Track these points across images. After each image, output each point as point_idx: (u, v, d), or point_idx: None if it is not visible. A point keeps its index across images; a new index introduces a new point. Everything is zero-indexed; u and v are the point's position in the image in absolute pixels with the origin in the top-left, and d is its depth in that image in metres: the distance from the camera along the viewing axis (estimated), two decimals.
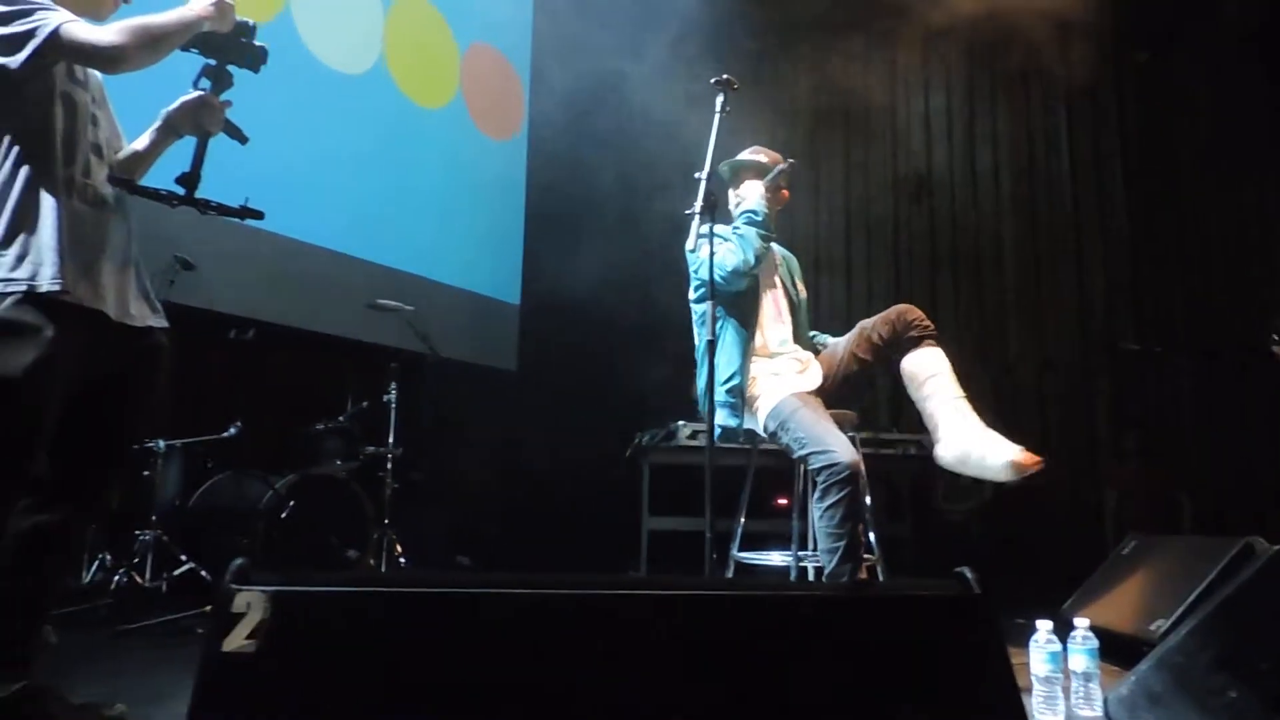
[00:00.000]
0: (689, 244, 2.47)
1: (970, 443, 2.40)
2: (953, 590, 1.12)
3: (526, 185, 6.32)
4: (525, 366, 6.11)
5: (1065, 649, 2.23)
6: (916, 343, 2.59)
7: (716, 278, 2.53)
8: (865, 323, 2.72)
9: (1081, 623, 2.26)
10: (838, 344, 2.79)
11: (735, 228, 2.78)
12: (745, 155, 3.01)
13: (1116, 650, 2.50)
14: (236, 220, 1.96)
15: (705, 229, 2.46)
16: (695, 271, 2.79)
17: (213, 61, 1.92)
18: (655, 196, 5.34)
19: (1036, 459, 2.36)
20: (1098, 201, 5.81)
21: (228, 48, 1.91)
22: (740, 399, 2.74)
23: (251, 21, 1.94)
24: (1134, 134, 5.78)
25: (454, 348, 5.02)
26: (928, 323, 2.63)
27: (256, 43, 1.94)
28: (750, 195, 2.84)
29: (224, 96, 1.95)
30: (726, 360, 2.71)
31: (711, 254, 2.51)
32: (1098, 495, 5.30)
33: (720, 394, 2.72)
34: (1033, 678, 2.20)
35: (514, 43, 6.41)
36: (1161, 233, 5.64)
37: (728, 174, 2.96)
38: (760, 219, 2.75)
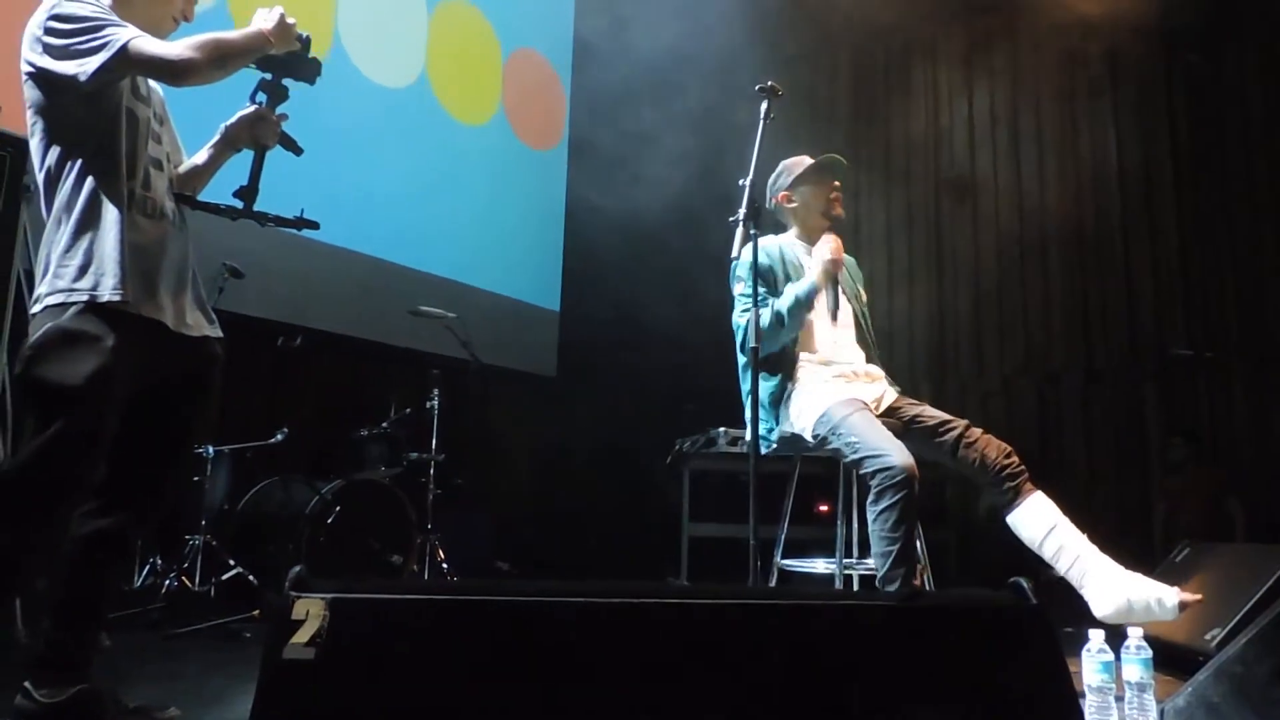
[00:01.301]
0: (733, 252, 2.46)
1: (1127, 593, 2.33)
2: (1009, 600, 1.11)
3: (567, 192, 6.36)
4: (565, 373, 6.14)
5: (1118, 658, 2.18)
6: (1016, 492, 2.49)
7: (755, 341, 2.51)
8: (961, 429, 2.60)
9: (1135, 632, 2.21)
10: (924, 411, 2.69)
11: (775, 307, 2.63)
12: (792, 161, 2.93)
13: (1170, 660, 2.45)
14: (286, 229, 2.00)
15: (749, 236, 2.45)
16: (735, 281, 2.77)
17: (269, 76, 1.97)
18: (696, 201, 5.35)
19: (1199, 595, 2.32)
20: (1146, 205, 5.69)
21: (283, 62, 1.95)
22: (782, 407, 2.71)
23: (306, 34, 1.97)
24: (1184, 136, 5.65)
25: (495, 354, 5.06)
26: (1022, 467, 2.53)
27: (310, 56, 1.98)
28: (817, 256, 2.72)
29: (279, 110, 1.99)
30: (770, 367, 2.69)
31: (755, 259, 2.49)
32: (1147, 503, 5.19)
33: (762, 401, 2.70)
34: (1085, 687, 2.16)
35: (555, 45, 6.47)
36: (1212, 236, 5.50)
37: (780, 179, 2.92)
38: (805, 300, 2.65)
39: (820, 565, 2.90)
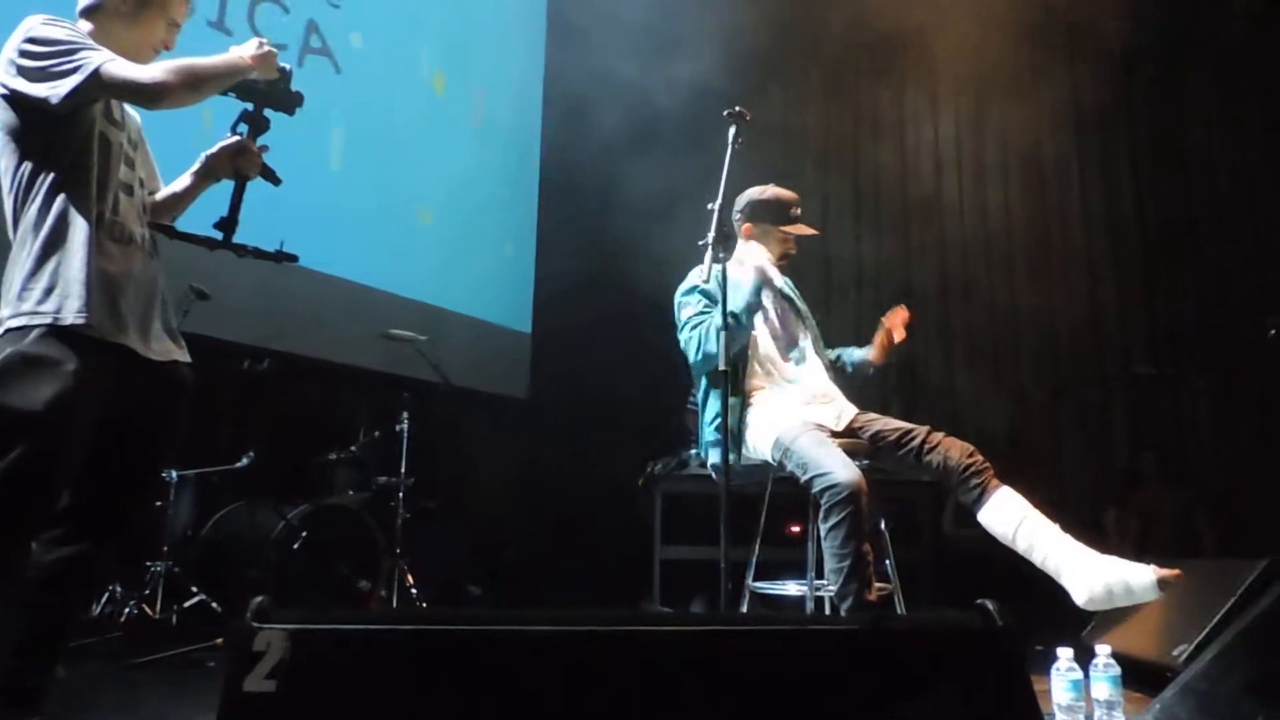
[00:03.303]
0: (702, 275, 2.47)
1: (1105, 576, 2.32)
2: (975, 623, 1.11)
3: (539, 214, 6.37)
4: (537, 395, 6.12)
5: (1087, 676, 2.20)
6: (983, 489, 2.51)
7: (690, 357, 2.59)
8: (922, 435, 2.64)
9: (1103, 649, 2.23)
10: (885, 425, 2.73)
11: (716, 319, 2.62)
12: (767, 195, 2.96)
13: (1138, 677, 2.47)
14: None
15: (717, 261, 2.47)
16: (683, 306, 2.80)
17: (250, 106, 1.96)
18: (667, 224, 5.36)
19: (1176, 570, 2.30)
20: (1109, 225, 5.80)
21: (265, 93, 1.96)
22: (733, 435, 2.73)
23: (289, 67, 1.98)
24: (1145, 156, 5.78)
25: (466, 377, 5.03)
26: (986, 464, 2.55)
27: (293, 89, 1.98)
28: (747, 269, 2.77)
29: (261, 141, 1.99)
30: (715, 397, 2.70)
31: (724, 282, 2.51)
32: (1114, 521, 5.25)
33: (709, 432, 2.73)
34: (1055, 706, 2.17)
35: (526, 80, 6.49)
36: (1175, 256, 5.62)
37: (747, 211, 2.96)
38: (742, 311, 2.67)
39: (791, 587, 2.90)
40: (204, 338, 3.80)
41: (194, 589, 3.53)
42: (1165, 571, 2.28)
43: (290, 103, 2.00)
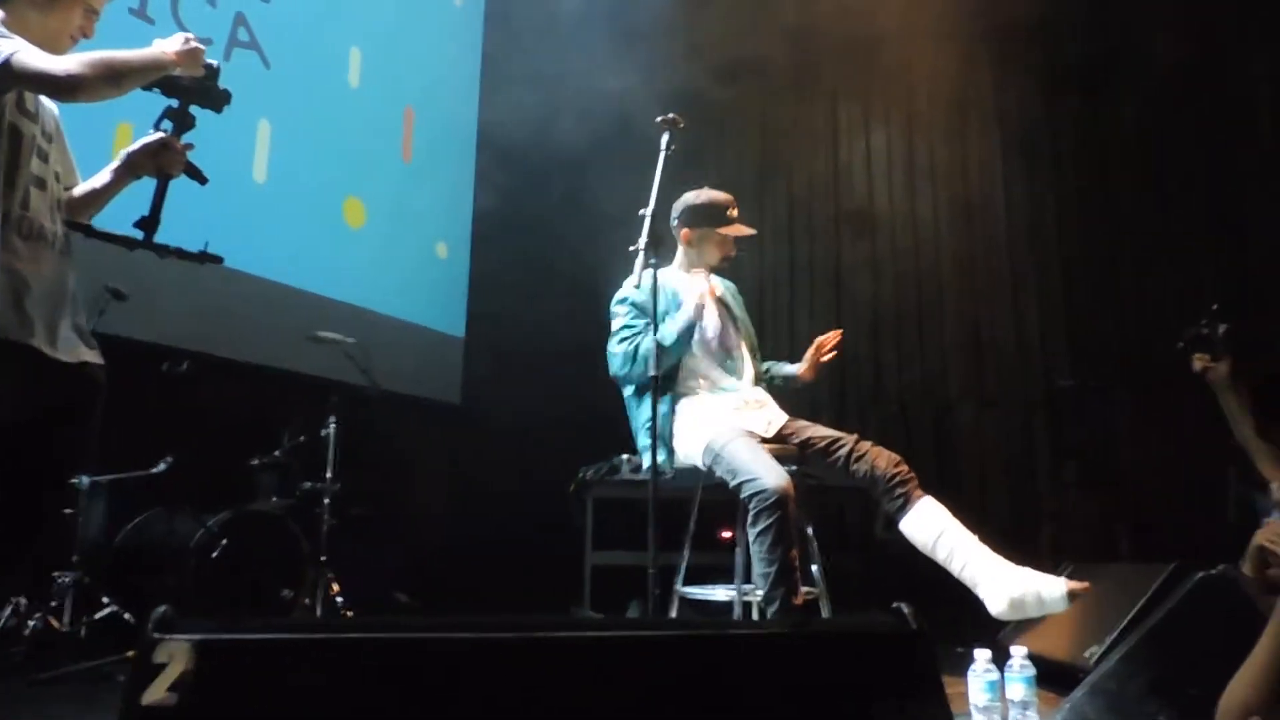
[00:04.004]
0: (633, 280, 2.48)
1: (1017, 588, 2.37)
2: (891, 626, 1.13)
3: (473, 218, 6.31)
4: (469, 400, 6.05)
5: (1003, 677, 2.26)
6: (906, 498, 2.55)
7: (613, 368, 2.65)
8: (850, 444, 2.68)
9: (1019, 651, 2.29)
10: (815, 432, 2.76)
11: (659, 336, 2.64)
12: (702, 199, 2.99)
13: (1053, 678, 2.54)
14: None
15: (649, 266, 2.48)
16: (615, 314, 2.82)
17: (176, 103, 1.91)
18: (602, 230, 5.36)
19: (1085, 584, 2.37)
20: (1032, 241, 5.98)
21: (191, 89, 1.90)
22: (674, 437, 2.75)
23: (216, 64, 1.93)
24: (1069, 174, 5.98)
25: (396, 381, 4.95)
26: (912, 474, 2.60)
27: (220, 86, 1.93)
28: (691, 290, 2.80)
29: (185, 139, 1.94)
30: (645, 402, 2.72)
31: (654, 288, 2.52)
32: (1035, 525, 5.40)
33: (643, 436, 2.74)
34: (971, 707, 2.22)
35: (462, 76, 6.42)
36: (1095, 270, 5.82)
37: (685, 216, 2.97)
38: (672, 345, 2.70)
39: (720, 592, 2.92)
40: (121, 339, 3.67)
41: (105, 599, 3.40)
42: (1075, 584, 2.36)
43: (218, 100, 1.95)
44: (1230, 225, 5.51)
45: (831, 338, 2.99)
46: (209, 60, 1.92)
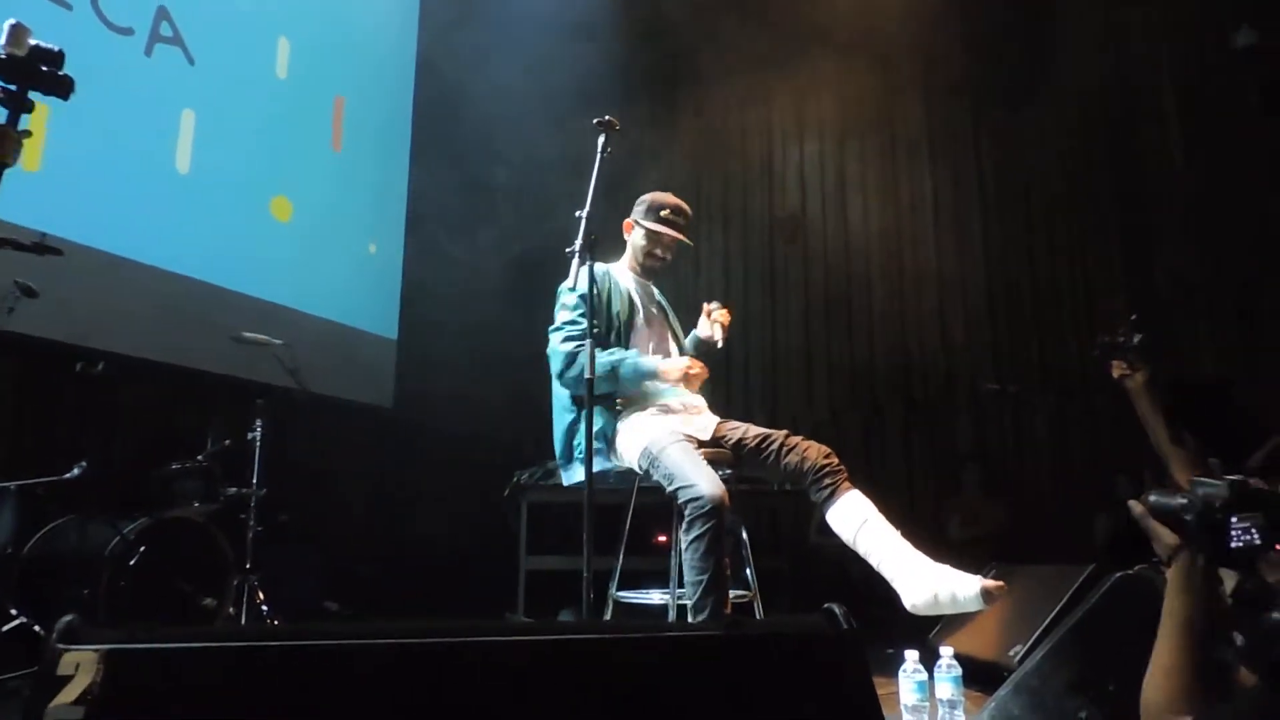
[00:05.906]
0: (569, 282, 2.46)
1: (933, 584, 2.38)
2: (821, 627, 1.14)
3: (407, 217, 6.21)
4: (402, 403, 5.95)
5: (932, 677, 2.30)
6: (834, 490, 2.58)
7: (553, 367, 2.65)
8: (780, 438, 2.70)
9: (946, 651, 2.34)
10: (747, 431, 2.77)
11: (614, 363, 2.69)
12: (650, 195, 3.01)
13: (980, 676, 2.60)
14: (77, 245, 1.84)
15: (584, 268, 2.47)
16: (562, 308, 2.80)
17: (13, 87, 1.81)
18: (538, 230, 5.34)
19: (1001, 583, 2.38)
20: (958, 248, 6.13)
21: (30, 73, 1.81)
22: (612, 441, 2.74)
23: (57, 48, 1.84)
24: (991, 184, 6.15)
25: (326, 383, 4.84)
26: (841, 467, 2.63)
27: (61, 73, 1.84)
28: (674, 366, 2.79)
29: (22, 125, 1.84)
30: (596, 401, 2.70)
31: (590, 290, 2.51)
32: (957, 527, 5.53)
33: (577, 437, 2.73)
34: (902, 707, 2.26)
35: (394, 69, 6.32)
36: (1016, 279, 6.00)
37: (634, 208, 2.98)
38: (645, 376, 2.74)
39: (655, 596, 2.91)
40: (33, 338, 3.52)
41: (13, 611, 3.23)
42: (990, 583, 2.40)
43: (62, 88, 1.86)
44: (1138, 238, 5.73)
45: (715, 305, 3.02)
46: (49, 45, 1.83)
